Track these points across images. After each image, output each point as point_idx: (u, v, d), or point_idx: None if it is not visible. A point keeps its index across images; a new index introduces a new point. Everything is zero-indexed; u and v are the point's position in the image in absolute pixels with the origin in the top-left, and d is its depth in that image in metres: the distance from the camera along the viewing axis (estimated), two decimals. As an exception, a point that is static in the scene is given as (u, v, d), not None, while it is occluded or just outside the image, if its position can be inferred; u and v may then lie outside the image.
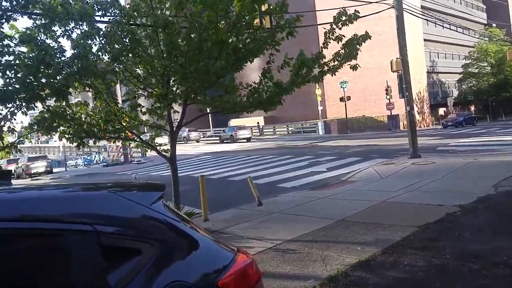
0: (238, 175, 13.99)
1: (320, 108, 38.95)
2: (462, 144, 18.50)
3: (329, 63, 6.78)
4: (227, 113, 6.70)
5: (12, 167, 30.40)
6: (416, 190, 8.19)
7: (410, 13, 15.43)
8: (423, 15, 24.51)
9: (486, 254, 4.27)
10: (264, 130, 43.81)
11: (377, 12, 14.10)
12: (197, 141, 44.89)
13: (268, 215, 7.55)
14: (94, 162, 30.40)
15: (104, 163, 28.14)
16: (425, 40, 46.98)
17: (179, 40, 5.52)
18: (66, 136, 5.52)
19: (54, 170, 29.58)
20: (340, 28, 6.61)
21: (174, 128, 6.65)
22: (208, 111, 7.22)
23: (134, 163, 25.06)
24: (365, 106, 41.95)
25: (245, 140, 36.90)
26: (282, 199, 9.30)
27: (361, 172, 11.80)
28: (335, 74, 7.02)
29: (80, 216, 1.44)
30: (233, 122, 48.77)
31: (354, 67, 7.10)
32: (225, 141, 38.52)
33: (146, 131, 7.25)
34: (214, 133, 48.89)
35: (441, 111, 50.90)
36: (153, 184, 1.86)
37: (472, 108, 52.11)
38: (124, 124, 6.37)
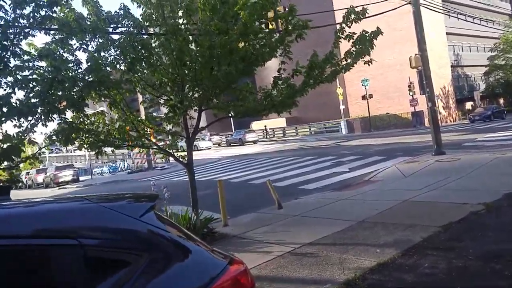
0: (259, 178, 13.98)
1: (342, 107, 38.53)
2: (490, 139, 17.83)
3: (341, 62, 6.69)
4: (241, 117, 6.71)
5: (41, 177, 31.56)
6: (440, 188, 7.95)
7: (428, 8, 15.03)
8: (444, 9, 23.83)
9: (510, 255, 4.09)
10: (286, 131, 43.70)
11: (394, 9, 13.81)
12: (219, 144, 45.42)
13: (288, 218, 7.50)
14: (119, 169, 31.11)
15: (129, 170, 28.75)
16: (448, 33, 45.60)
17: (190, 47, 5.58)
18: (85, 146, 5.68)
19: (81, 178, 30.46)
20: (349, 27, 6.52)
21: (190, 134, 6.71)
22: (222, 115, 7.23)
23: (158, 169, 25.48)
24: (388, 103, 41.15)
25: (252, 143, 40.67)
26: (303, 201, 9.23)
27: (383, 171, 11.58)
28: (348, 71, 6.94)
29: (64, 231, 1.45)
30: (255, 125, 48.97)
31: (369, 62, 6.98)
32: (232, 144, 41.50)
33: (165, 138, 7.34)
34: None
35: (468, 105, 49.21)
36: (144, 195, 1.87)
37: (501, 101, 50.17)
38: (141, 132, 6.49)
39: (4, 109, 4.63)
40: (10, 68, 4.67)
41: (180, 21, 6.15)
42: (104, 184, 24.57)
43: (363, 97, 36.45)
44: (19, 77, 4.61)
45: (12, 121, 4.92)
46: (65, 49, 5.33)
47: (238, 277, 1.70)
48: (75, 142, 5.40)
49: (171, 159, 25.01)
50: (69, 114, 5.18)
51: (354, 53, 6.90)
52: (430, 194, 7.58)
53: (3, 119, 4.54)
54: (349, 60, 6.90)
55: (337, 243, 5.44)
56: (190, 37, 5.57)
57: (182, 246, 1.69)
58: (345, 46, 7.14)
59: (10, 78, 4.82)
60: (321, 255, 5.03)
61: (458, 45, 49.72)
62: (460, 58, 50.02)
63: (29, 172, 36.94)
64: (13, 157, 5.02)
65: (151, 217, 1.65)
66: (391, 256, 4.56)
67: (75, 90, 4.82)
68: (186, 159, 6.73)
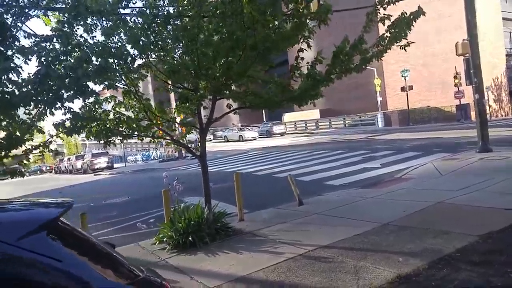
0: (284, 172, 13.47)
1: (379, 99, 36.91)
2: (545, 136, 16.25)
3: (372, 49, 5.99)
4: (258, 108, 6.24)
5: (79, 163, 32.76)
6: (481, 190, 7.11)
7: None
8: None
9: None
10: (319, 124, 42.64)
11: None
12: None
13: (307, 216, 7.00)
14: (152, 157, 31.64)
15: (160, 159, 29.12)
16: (504, 19, 42.14)
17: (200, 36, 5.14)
18: (92, 136, 5.45)
19: (115, 165, 31.29)
20: (384, 8, 5.80)
21: (204, 125, 6.33)
22: (237, 107, 6.74)
23: (188, 158, 25.60)
24: (430, 96, 38.99)
25: (279, 135, 39.95)
26: (326, 198, 8.66)
27: (418, 169, 10.73)
28: (380, 59, 6.23)
29: None
30: (287, 117, 48.22)
31: (404, 47, 6.22)
32: (259, 136, 40.39)
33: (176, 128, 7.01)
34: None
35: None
36: (55, 203, 1.46)
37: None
38: (154, 121, 6.19)
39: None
40: (7, 55, 4.44)
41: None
42: (134, 171, 25.03)
43: (402, 89, 34.69)
44: (17, 62, 4.38)
45: (18, 109, 4.74)
46: (71, 32, 5.06)
47: None
48: (81, 131, 5.15)
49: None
50: (71, 105, 4.92)
51: (387, 38, 6.18)
52: (469, 197, 6.77)
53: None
54: (380, 47, 6.17)
55: (356, 248, 4.88)
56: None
57: (78, 277, 1.27)
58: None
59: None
60: (336, 261, 4.52)
61: (516, 31, 46.07)
62: (518, 45, 46.35)
63: (70, 158, 38.56)
64: (18, 145, 4.86)
65: (37, 241, 1.22)
66: (415, 268, 3.97)
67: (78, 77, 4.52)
68: (199, 151, 6.36)
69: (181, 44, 5.32)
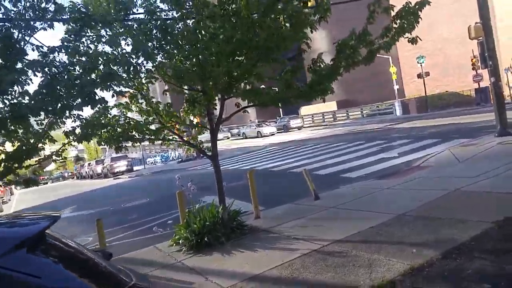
0: (301, 166, 13.42)
1: (396, 87, 36.27)
2: None
3: (377, 41, 5.90)
4: (266, 106, 6.24)
5: (100, 167, 33.46)
6: (499, 176, 6.94)
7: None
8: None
9: None
10: (337, 115, 42.24)
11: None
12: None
13: (322, 210, 6.99)
14: (171, 158, 32.03)
15: (179, 159, 29.45)
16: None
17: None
18: (103, 142, 5.58)
19: (135, 168, 31.79)
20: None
21: (214, 125, 6.39)
22: (245, 105, 6.76)
23: (205, 158, 25.76)
24: (448, 81, 38.03)
25: (296, 129, 39.69)
26: (342, 191, 8.63)
27: (436, 156, 10.54)
28: (388, 51, 6.12)
29: None
30: (304, 110, 47.97)
31: (413, 40, 6.11)
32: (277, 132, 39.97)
33: (187, 129, 7.09)
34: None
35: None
36: (22, 222, 1.49)
37: None
38: (164, 124, 6.28)
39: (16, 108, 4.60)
40: (18, 68, 4.59)
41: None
42: (153, 173, 25.41)
43: (419, 76, 33.97)
44: (27, 75, 4.52)
45: (29, 119, 4.90)
46: (78, 42, 5.20)
47: None
48: (91, 138, 5.28)
49: (218, 146, 25.01)
50: (80, 113, 5.04)
51: (393, 30, 6.08)
52: (486, 183, 6.62)
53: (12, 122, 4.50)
54: (386, 39, 6.08)
55: (370, 241, 4.86)
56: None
57: None
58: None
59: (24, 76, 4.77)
60: (349, 255, 4.51)
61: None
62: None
63: (90, 163, 39.44)
64: (31, 155, 5.02)
65: (16, 258, 1.25)
66: (429, 259, 3.92)
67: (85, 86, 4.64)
68: (210, 151, 6.43)
69: (182, 49, 5.37)
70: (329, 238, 5.21)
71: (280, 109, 47.48)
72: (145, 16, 5.50)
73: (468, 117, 21.01)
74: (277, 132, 38.99)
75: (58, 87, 4.49)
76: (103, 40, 5.31)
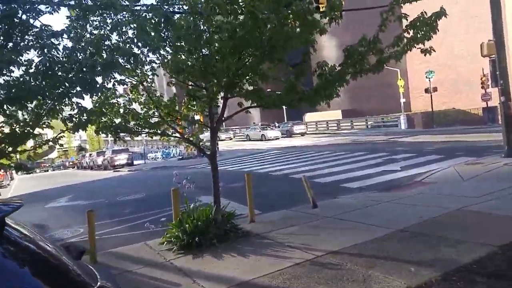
0: (301, 172, 13.22)
1: (402, 100, 36.04)
2: None
3: (388, 50, 5.73)
4: (268, 107, 6.08)
5: (100, 159, 33.40)
6: (505, 198, 6.73)
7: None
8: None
9: None
10: (341, 124, 41.99)
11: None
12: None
13: (319, 219, 6.80)
14: (172, 155, 31.90)
15: (180, 156, 29.32)
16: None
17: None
18: (100, 131, 5.44)
19: (135, 162, 31.69)
20: (401, 6, 5.52)
21: (215, 124, 6.23)
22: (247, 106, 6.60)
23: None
24: (456, 98, 37.75)
25: (299, 135, 39.58)
26: (341, 201, 8.44)
27: (439, 172, 10.32)
28: (399, 60, 5.95)
29: None
30: (308, 116, 47.80)
31: (426, 51, 5.94)
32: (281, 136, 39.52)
33: (188, 126, 6.93)
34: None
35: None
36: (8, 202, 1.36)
37: None
38: (165, 118, 6.13)
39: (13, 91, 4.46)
40: (19, 47, 4.46)
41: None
42: (153, 169, 25.28)
43: (426, 90, 33.73)
44: (25, 57, 4.39)
45: (26, 104, 4.76)
46: (81, 28, 5.06)
47: None
48: (87, 128, 5.13)
49: (220, 148, 25.14)
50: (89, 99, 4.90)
51: (406, 39, 5.91)
52: (491, 204, 6.42)
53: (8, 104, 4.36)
54: (398, 48, 5.91)
55: (366, 255, 4.67)
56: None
57: None
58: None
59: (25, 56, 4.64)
60: (344, 268, 4.33)
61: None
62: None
63: (91, 154, 39.39)
64: (25, 140, 4.88)
65: None
66: (427, 279, 3.74)
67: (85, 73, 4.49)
68: (210, 150, 6.27)
69: (187, 42, 5.22)
70: (324, 249, 5.03)
71: (285, 114, 47.32)
72: (155, 3, 5.36)
73: (474, 136, 20.75)
74: (282, 137, 38.78)
75: (58, 72, 4.34)
76: (108, 27, 5.17)
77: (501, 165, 9.90)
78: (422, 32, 5.55)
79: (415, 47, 5.75)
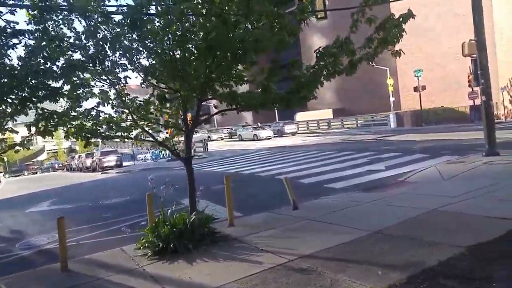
0: (287, 173, 13.25)
1: (392, 99, 36.26)
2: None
3: (359, 51, 5.73)
4: (245, 110, 6.05)
5: (89, 161, 33.11)
6: (480, 197, 6.78)
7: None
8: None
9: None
10: (332, 124, 42.14)
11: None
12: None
13: (299, 221, 6.79)
14: (161, 156, 31.74)
15: (168, 158, 29.18)
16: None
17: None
18: (71, 136, 5.36)
19: (124, 163, 31.48)
20: (370, 9, 5.52)
21: (189, 127, 6.18)
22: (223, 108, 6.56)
23: (196, 158, 25.53)
24: (445, 96, 38.09)
25: (290, 134, 39.85)
26: (323, 202, 8.44)
27: (421, 172, 10.38)
28: (371, 62, 5.96)
29: None
30: (300, 116, 47.90)
31: (396, 53, 5.97)
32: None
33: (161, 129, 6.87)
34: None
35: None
36: None
37: None
38: (138, 122, 6.07)
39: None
40: None
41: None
42: (141, 170, 25.12)
43: (415, 89, 33.97)
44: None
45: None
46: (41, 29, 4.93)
47: None
48: (53, 134, 5.05)
49: (210, 148, 25.00)
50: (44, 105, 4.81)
51: (375, 41, 5.92)
52: (465, 203, 6.46)
53: None
54: (369, 50, 5.92)
55: (338, 258, 4.67)
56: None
57: None
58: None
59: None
60: (314, 272, 4.31)
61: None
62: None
63: (80, 155, 39.01)
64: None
65: None
66: (392, 283, 3.74)
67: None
68: (184, 153, 6.22)
69: (156, 44, 5.17)
70: (298, 253, 5.01)
71: (276, 114, 47.35)
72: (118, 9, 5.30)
73: (460, 134, 20.94)
74: (274, 136, 38.78)
75: (15, 78, 4.26)
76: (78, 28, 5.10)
77: (480, 164, 9.98)
78: (391, 35, 5.57)
79: (386, 49, 5.77)
